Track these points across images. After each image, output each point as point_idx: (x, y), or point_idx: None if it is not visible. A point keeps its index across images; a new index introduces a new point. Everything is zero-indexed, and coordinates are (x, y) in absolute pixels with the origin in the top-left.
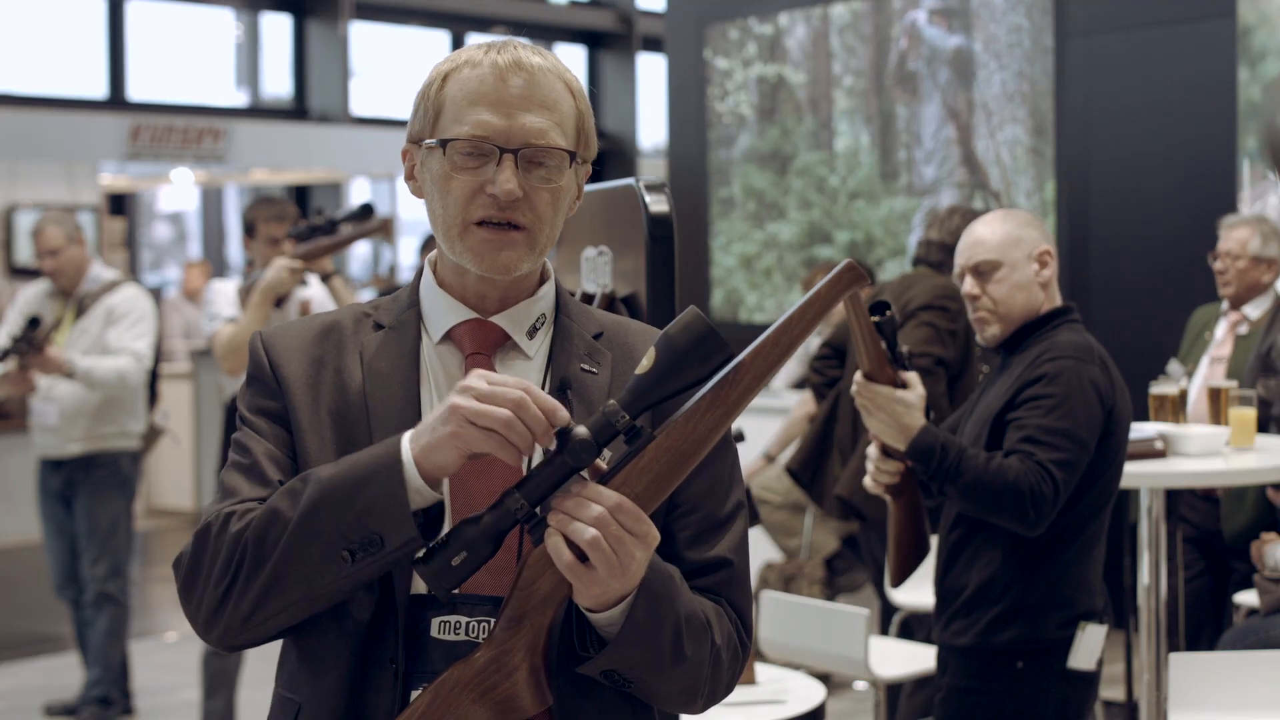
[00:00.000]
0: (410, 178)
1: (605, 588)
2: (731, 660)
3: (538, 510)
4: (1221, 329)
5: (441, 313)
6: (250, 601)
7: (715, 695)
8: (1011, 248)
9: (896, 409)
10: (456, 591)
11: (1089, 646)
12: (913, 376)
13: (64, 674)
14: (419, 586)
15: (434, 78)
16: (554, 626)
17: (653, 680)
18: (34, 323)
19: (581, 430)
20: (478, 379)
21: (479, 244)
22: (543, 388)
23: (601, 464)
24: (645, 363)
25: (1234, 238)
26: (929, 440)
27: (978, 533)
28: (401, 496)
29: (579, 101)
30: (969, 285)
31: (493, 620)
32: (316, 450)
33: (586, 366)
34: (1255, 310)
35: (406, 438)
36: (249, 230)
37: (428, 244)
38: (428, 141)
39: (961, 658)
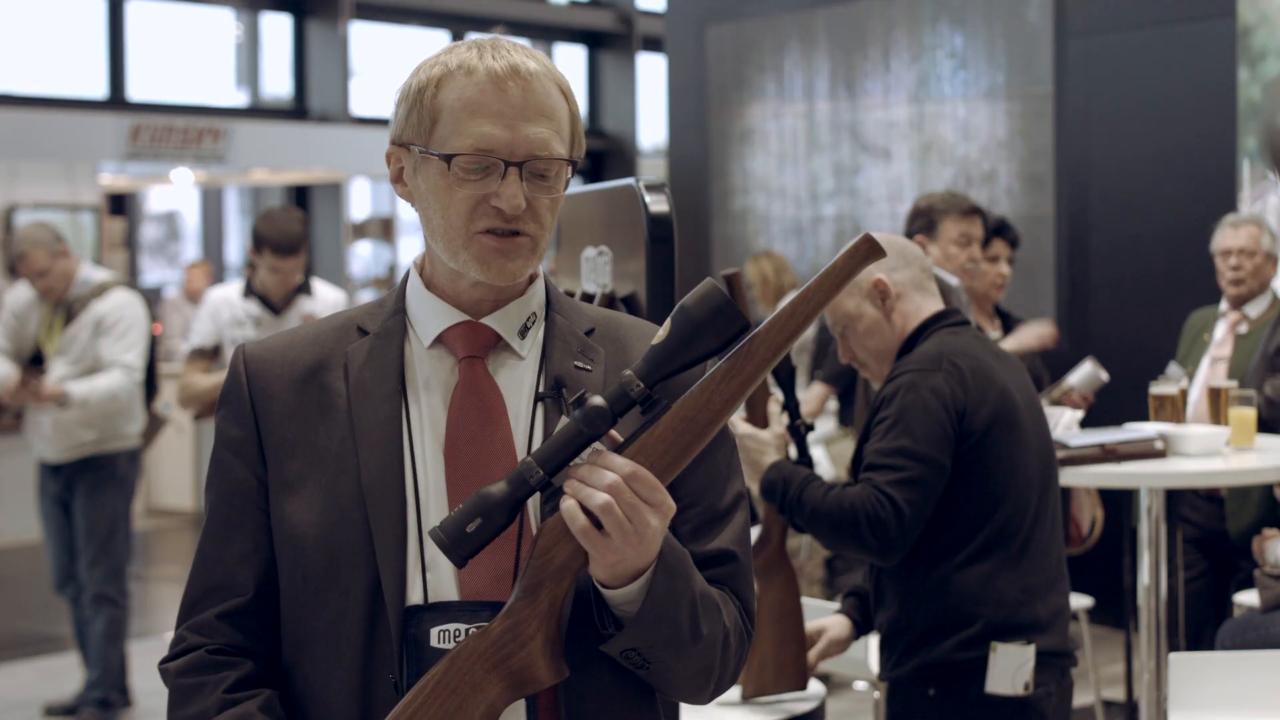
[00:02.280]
0: (398, 181)
1: (620, 556)
2: (739, 646)
3: (553, 480)
4: (1221, 329)
5: (431, 316)
6: None
7: (723, 682)
8: (846, 299)
9: (749, 445)
10: (455, 598)
11: (1004, 668)
12: (775, 411)
13: (64, 674)
14: (414, 598)
15: (426, 83)
16: (565, 602)
17: (671, 659)
18: (37, 359)
19: (597, 399)
20: None
21: (485, 252)
22: (536, 386)
23: (617, 434)
24: (661, 333)
25: (1247, 234)
26: (773, 475)
27: (883, 570)
28: None
29: (571, 103)
30: (840, 350)
31: None
32: (290, 468)
33: (580, 364)
34: (1254, 309)
35: None
36: (257, 245)
37: None
38: (425, 151)
39: (890, 690)
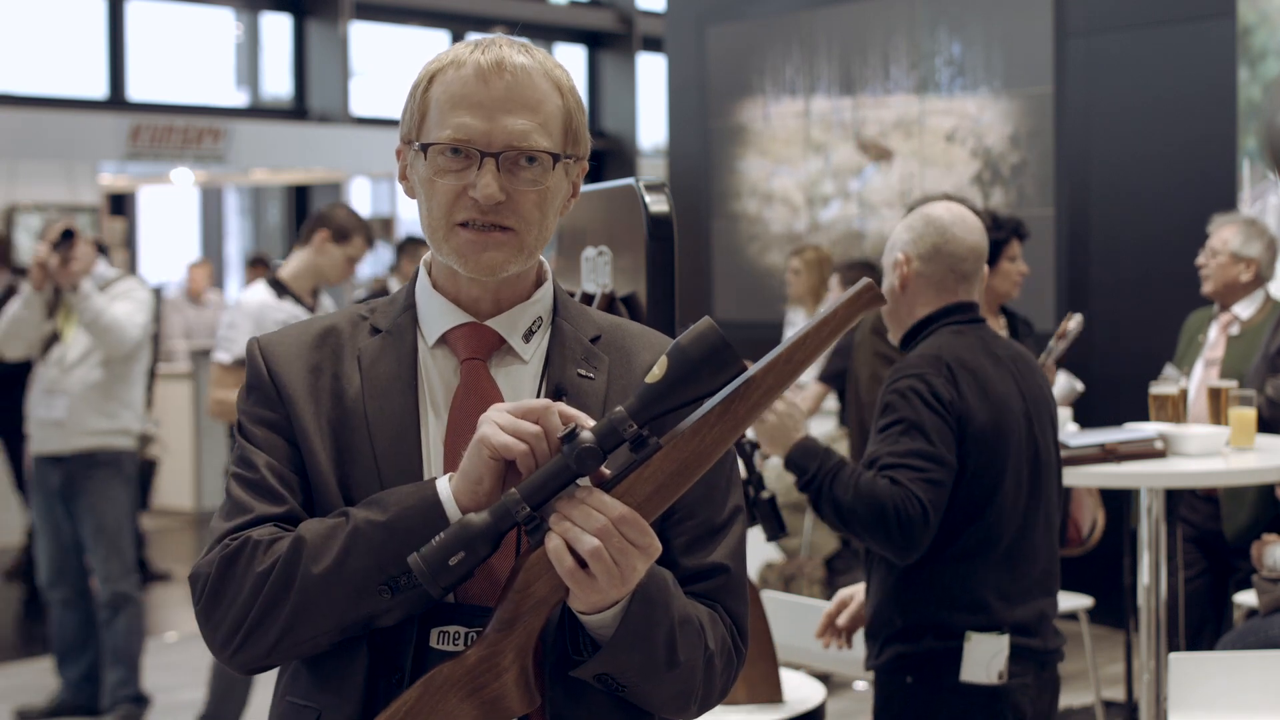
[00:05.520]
0: (403, 178)
1: (604, 596)
2: (725, 666)
3: (538, 514)
4: (1214, 331)
5: (437, 316)
6: (277, 632)
7: (709, 701)
8: (887, 254)
9: (786, 414)
10: (452, 600)
11: (978, 658)
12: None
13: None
14: None
15: (421, 78)
16: (545, 630)
17: (646, 685)
18: (69, 234)
19: (587, 436)
20: (498, 414)
21: (463, 244)
22: (538, 392)
23: (606, 470)
24: (656, 371)
25: (1219, 235)
26: (808, 447)
27: (871, 563)
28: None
29: (567, 99)
30: None
31: None
32: (323, 458)
33: (583, 371)
34: (1245, 310)
35: (444, 478)
36: (342, 233)
37: (403, 246)
38: (413, 144)
39: (875, 679)
